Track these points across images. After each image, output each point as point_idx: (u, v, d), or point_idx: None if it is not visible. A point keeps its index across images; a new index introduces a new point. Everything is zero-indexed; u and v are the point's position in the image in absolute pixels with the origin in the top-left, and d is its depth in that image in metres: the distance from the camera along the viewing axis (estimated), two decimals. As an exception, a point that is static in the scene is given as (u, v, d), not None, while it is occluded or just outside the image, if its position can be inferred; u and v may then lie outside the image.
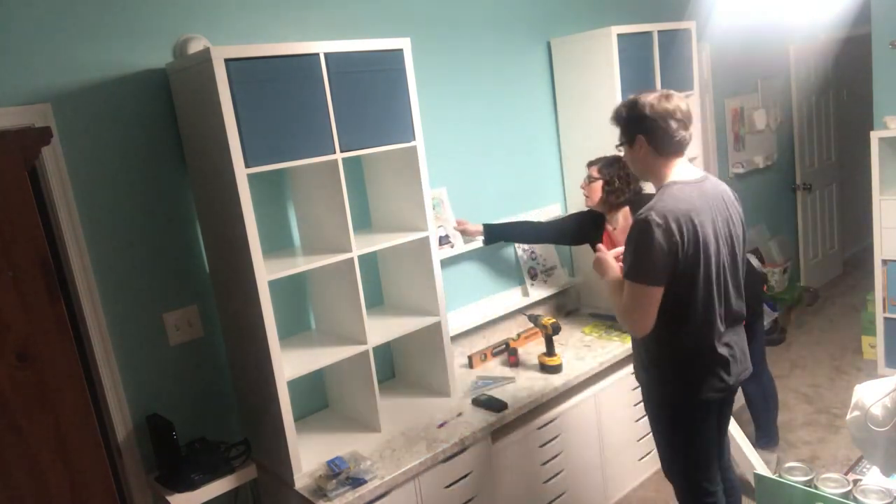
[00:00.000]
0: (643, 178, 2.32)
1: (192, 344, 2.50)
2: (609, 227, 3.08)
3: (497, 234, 3.19)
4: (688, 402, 2.20)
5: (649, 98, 2.07)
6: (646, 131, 2.07)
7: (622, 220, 3.01)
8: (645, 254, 1.97)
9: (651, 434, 2.45)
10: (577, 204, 3.40)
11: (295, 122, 2.21)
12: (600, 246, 2.30)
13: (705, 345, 2.12)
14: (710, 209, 2.05)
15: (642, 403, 2.40)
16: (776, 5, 4.86)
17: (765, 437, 3.33)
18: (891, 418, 1.60)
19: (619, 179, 2.96)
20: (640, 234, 1.98)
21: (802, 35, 5.26)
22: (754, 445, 3.23)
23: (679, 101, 2.08)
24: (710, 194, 2.09)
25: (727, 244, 2.10)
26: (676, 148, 2.09)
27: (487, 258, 3.36)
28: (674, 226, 1.96)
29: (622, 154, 2.25)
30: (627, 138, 2.15)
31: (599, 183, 2.99)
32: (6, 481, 1.49)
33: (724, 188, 2.18)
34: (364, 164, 2.80)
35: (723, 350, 2.14)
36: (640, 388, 2.38)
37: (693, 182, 2.08)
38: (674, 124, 2.04)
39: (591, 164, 3.07)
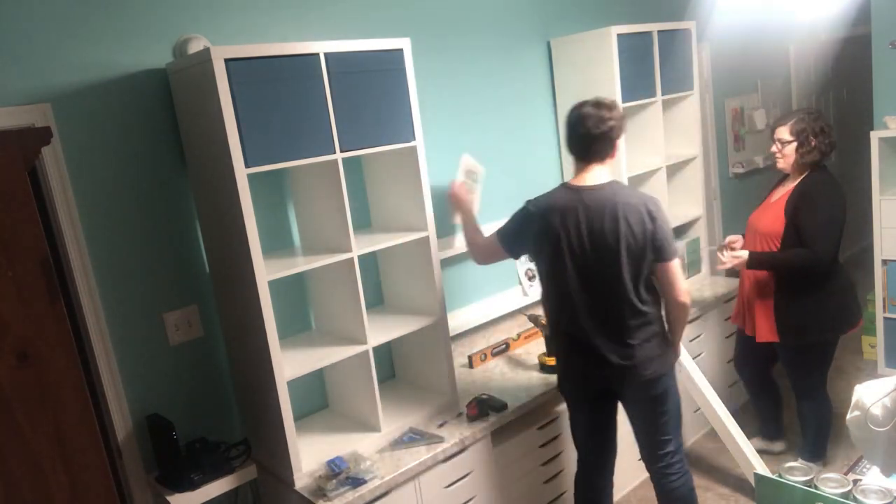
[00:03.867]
0: None
1: (192, 344, 2.50)
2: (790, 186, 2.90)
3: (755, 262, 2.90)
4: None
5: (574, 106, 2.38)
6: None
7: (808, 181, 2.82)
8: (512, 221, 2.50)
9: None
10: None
11: (295, 121, 2.21)
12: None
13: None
14: (579, 211, 2.29)
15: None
16: (776, 5, 4.86)
17: (809, 453, 3.19)
18: (891, 418, 1.60)
19: (814, 136, 2.77)
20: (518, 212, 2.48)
21: (802, 35, 5.26)
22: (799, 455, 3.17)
23: (589, 110, 2.29)
24: (594, 201, 2.29)
25: (586, 245, 2.28)
26: (579, 153, 2.37)
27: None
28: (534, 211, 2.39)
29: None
30: None
31: (793, 145, 2.84)
32: (6, 481, 1.49)
33: (622, 202, 2.27)
34: (364, 164, 2.80)
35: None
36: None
37: (581, 188, 2.34)
38: (571, 132, 2.34)
39: (778, 125, 2.89)
